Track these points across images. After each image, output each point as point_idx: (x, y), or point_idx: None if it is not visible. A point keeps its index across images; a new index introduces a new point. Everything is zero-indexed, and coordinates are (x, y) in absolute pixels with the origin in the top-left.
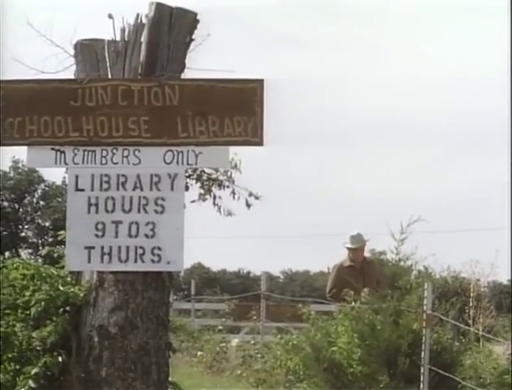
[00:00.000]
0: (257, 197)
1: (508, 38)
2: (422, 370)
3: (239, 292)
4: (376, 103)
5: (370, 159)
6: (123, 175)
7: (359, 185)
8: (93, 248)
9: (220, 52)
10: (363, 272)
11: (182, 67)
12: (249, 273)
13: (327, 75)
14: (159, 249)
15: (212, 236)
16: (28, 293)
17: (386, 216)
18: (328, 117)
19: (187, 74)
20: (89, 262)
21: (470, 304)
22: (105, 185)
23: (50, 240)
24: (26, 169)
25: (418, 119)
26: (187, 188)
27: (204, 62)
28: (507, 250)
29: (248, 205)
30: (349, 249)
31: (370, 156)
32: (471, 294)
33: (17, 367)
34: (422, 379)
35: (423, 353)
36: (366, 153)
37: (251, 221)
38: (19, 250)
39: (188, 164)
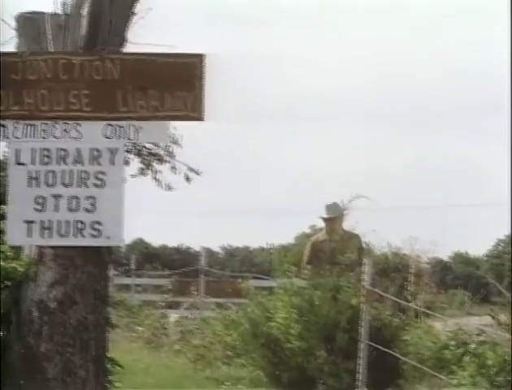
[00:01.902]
0: (197, 173)
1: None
2: (360, 346)
3: (179, 267)
4: (326, 81)
5: (316, 137)
6: (63, 150)
7: (303, 162)
8: (33, 222)
9: (164, 27)
10: (343, 247)
11: (123, 40)
12: (189, 249)
13: (275, 51)
14: (99, 223)
15: (153, 211)
16: None
17: (329, 193)
18: (276, 93)
19: (129, 48)
20: (30, 236)
21: (411, 280)
22: (45, 159)
23: None
24: None
25: (368, 97)
26: (127, 163)
27: (147, 37)
28: (448, 228)
29: (188, 180)
30: (324, 219)
31: (317, 133)
32: (411, 270)
33: None
34: (360, 354)
35: (361, 328)
36: (313, 130)
37: (192, 197)
38: None
39: (128, 139)
